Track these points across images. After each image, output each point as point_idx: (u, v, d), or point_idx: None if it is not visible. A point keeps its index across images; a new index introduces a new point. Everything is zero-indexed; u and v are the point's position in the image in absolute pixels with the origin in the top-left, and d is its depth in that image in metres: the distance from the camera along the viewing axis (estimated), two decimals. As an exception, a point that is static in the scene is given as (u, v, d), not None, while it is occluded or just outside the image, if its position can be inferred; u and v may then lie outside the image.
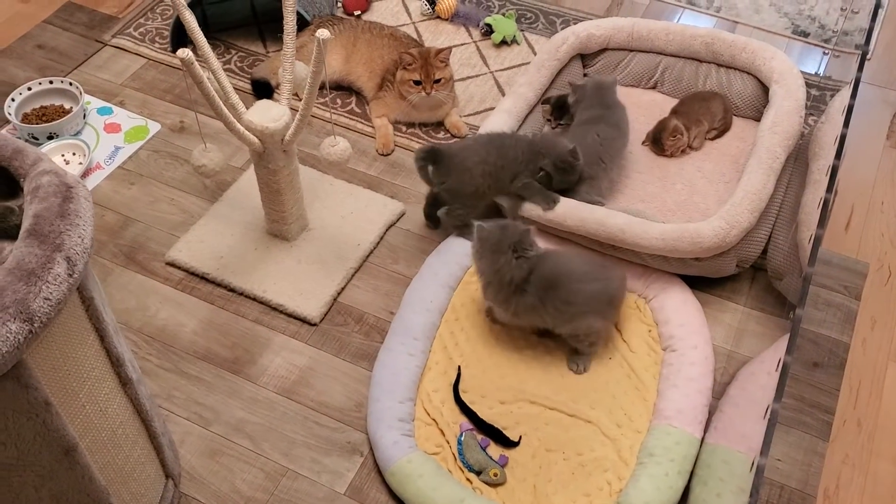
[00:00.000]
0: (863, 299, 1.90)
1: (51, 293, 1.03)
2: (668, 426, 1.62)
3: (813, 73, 2.44)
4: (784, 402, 1.72)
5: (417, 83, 2.13)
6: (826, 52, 2.51)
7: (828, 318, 1.86)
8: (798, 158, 1.98)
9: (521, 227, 1.70)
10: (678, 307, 1.81)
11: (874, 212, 2.10)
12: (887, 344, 1.83)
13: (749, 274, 1.93)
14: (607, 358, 1.76)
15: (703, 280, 1.88)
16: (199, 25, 2.49)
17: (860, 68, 1.35)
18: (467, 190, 1.88)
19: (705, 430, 1.63)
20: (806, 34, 2.57)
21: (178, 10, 1.64)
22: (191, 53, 1.46)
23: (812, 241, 1.13)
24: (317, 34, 1.52)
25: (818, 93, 2.36)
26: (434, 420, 1.66)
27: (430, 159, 1.89)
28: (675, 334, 1.77)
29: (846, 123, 1.28)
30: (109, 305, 1.84)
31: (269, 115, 1.71)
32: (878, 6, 1.42)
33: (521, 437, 1.63)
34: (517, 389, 1.71)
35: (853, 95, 1.31)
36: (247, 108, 1.74)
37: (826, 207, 1.16)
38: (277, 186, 1.83)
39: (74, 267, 1.07)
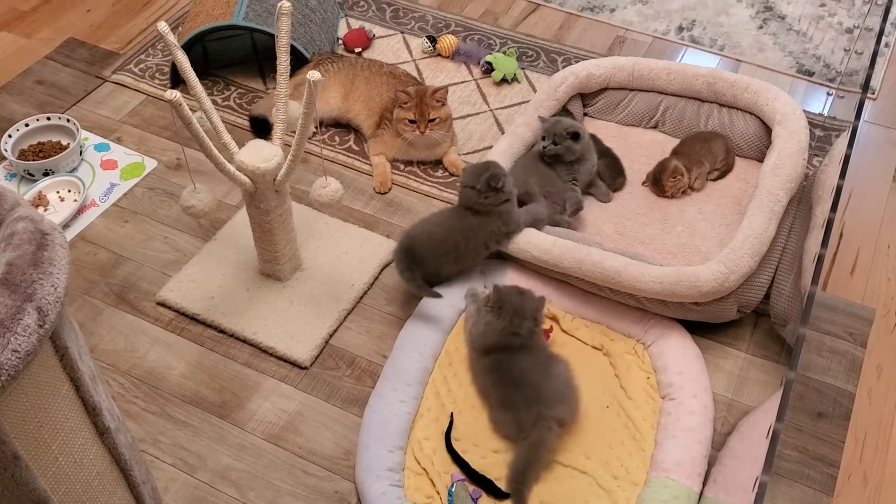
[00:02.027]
0: (868, 347, 1.85)
1: (19, 345, 1.00)
2: (665, 479, 1.56)
3: (817, 112, 2.41)
4: (787, 455, 1.66)
5: (413, 122, 2.11)
6: (830, 92, 2.48)
7: (832, 365, 1.81)
8: (801, 201, 1.94)
9: (538, 296, 1.74)
10: (677, 354, 1.76)
11: (880, 255, 2.06)
12: (894, 394, 1.78)
13: (751, 319, 1.89)
14: (604, 406, 1.72)
15: (704, 325, 1.84)
16: (200, 60, 2.52)
17: (857, 116, 1.31)
18: (440, 271, 1.87)
19: (704, 483, 1.58)
20: (811, 73, 2.54)
21: (170, 51, 1.62)
22: (179, 95, 1.44)
23: (805, 297, 1.09)
24: (308, 76, 1.50)
25: (823, 133, 2.33)
26: (424, 469, 1.62)
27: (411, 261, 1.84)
28: (673, 382, 1.72)
29: (842, 174, 1.24)
30: (99, 346, 1.83)
31: (260, 155, 1.69)
32: (876, 53, 1.39)
33: (513, 489, 1.58)
34: (511, 438, 1.66)
35: (850, 145, 1.28)
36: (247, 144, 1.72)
37: (821, 263, 1.12)
38: (269, 227, 1.80)
39: (46, 317, 1.04)
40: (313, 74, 1.50)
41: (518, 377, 1.64)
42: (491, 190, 1.79)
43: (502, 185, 1.80)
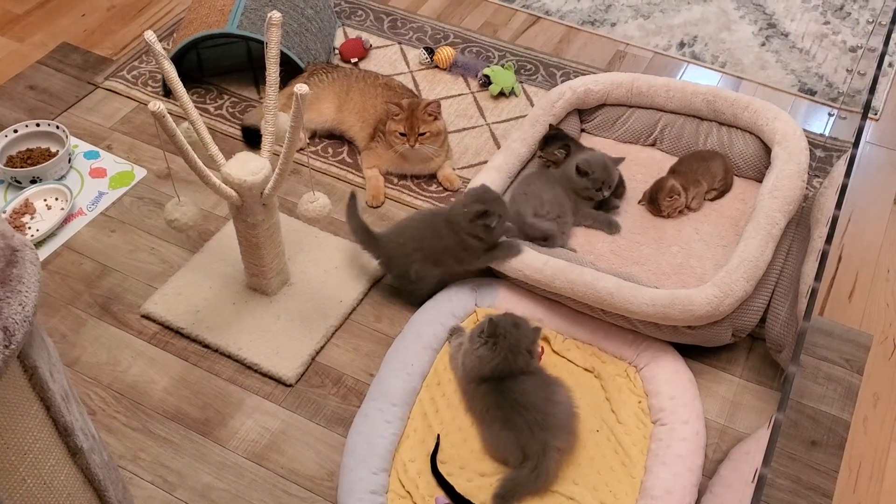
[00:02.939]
0: (865, 374, 1.81)
1: (-17, 366, 0.97)
2: (655, 507, 1.53)
3: (819, 133, 2.37)
4: (779, 484, 1.62)
5: (404, 134, 2.08)
6: (832, 112, 2.45)
7: (828, 393, 1.77)
8: (800, 223, 1.90)
9: (533, 327, 1.69)
10: (670, 378, 1.72)
11: (879, 280, 2.02)
12: (890, 423, 1.74)
13: (746, 343, 1.85)
14: (594, 430, 1.68)
15: (697, 348, 1.80)
16: (195, 68, 2.49)
17: (855, 144, 1.28)
18: (409, 270, 1.85)
19: (694, 513, 1.54)
20: (813, 92, 2.51)
21: (157, 60, 1.59)
22: (162, 106, 1.41)
23: (797, 334, 1.05)
24: (295, 89, 1.47)
25: (824, 154, 2.29)
26: (409, 493, 1.58)
27: (366, 245, 1.89)
28: (665, 407, 1.68)
29: (838, 205, 1.21)
30: (81, 358, 1.80)
31: (247, 167, 1.66)
32: (876, 78, 1.36)
33: (499, 515, 1.55)
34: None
35: (847, 174, 1.24)
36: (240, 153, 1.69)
37: (814, 297, 1.08)
38: (256, 241, 1.77)
39: (12, 337, 1.01)
40: (300, 87, 1.47)
41: (520, 399, 1.59)
42: (478, 221, 1.77)
43: (492, 226, 1.77)
